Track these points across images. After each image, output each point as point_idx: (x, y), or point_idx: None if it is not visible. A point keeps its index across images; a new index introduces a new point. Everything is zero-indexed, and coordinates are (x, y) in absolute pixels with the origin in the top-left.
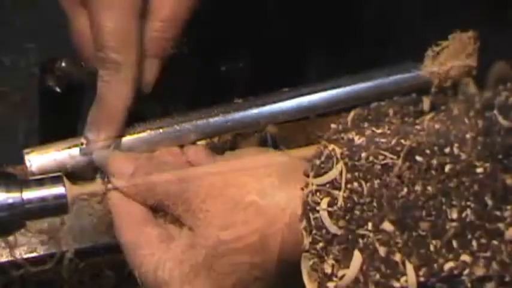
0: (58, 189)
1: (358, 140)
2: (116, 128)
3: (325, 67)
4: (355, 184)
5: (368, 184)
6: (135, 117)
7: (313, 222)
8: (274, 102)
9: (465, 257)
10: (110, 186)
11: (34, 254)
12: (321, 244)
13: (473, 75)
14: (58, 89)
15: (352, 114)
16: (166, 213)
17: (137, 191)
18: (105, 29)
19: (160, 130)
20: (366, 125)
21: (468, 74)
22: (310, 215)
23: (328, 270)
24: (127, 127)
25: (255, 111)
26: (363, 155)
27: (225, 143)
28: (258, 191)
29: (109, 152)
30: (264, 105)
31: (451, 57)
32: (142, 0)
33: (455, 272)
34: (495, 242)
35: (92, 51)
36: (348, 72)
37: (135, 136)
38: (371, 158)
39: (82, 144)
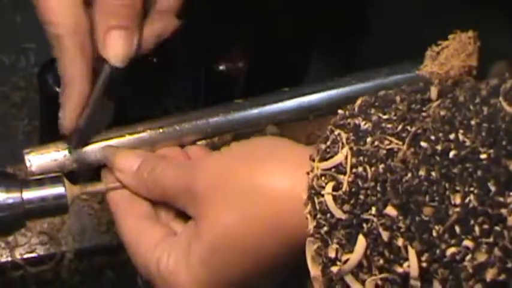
0: (58, 189)
1: (364, 126)
2: (78, 98)
3: (325, 67)
4: (360, 169)
5: (373, 169)
6: (135, 118)
7: (317, 207)
8: (274, 102)
9: (467, 243)
10: (113, 184)
11: (34, 254)
12: (325, 228)
13: (473, 75)
14: (58, 89)
15: (359, 101)
16: (169, 210)
17: (143, 185)
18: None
19: (160, 130)
20: (372, 111)
21: (468, 74)
22: (315, 199)
23: (332, 254)
24: (127, 127)
25: (255, 111)
26: (369, 139)
27: (225, 143)
28: (265, 177)
29: (115, 148)
30: (264, 105)
31: (451, 57)
32: None
33: (457, 257)
34: (497, 228)
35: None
36: (348, 72)
37: (135, 136)
38: (376, 143)
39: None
